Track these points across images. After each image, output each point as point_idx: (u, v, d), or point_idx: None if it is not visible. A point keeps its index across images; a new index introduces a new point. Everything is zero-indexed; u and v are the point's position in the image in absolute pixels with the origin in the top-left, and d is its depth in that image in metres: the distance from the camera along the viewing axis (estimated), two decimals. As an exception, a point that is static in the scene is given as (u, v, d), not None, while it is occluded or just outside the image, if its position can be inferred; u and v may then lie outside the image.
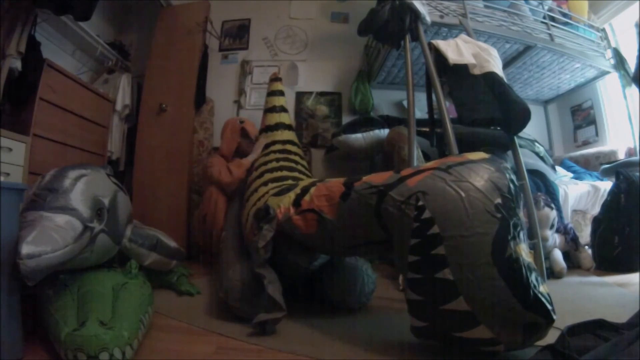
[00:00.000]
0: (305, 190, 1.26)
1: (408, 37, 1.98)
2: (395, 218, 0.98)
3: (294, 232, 1.24)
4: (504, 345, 0.85)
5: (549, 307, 0.84)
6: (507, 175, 0.93)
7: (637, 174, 2.03)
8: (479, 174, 0.92)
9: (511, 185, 0.91)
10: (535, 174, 2.23)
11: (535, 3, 2.62)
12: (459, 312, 0.84)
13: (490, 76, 1.69)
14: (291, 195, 1.31)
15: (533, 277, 0.84)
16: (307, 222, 1.19)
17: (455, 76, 1.76)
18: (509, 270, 0.82)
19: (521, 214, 0.93)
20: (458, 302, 0.84)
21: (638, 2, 2.53)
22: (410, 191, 0.95)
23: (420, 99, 2.05)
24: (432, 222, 0.89)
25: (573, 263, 2.06)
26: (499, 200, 0.87)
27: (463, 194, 0.89)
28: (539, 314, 0.83)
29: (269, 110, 2.33)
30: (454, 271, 0.85)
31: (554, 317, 0.85)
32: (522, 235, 0.90)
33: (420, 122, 2.03)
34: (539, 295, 0.83)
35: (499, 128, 1.84)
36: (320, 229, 1.16)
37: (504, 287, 0.81)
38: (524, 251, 0.88)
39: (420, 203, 0.92)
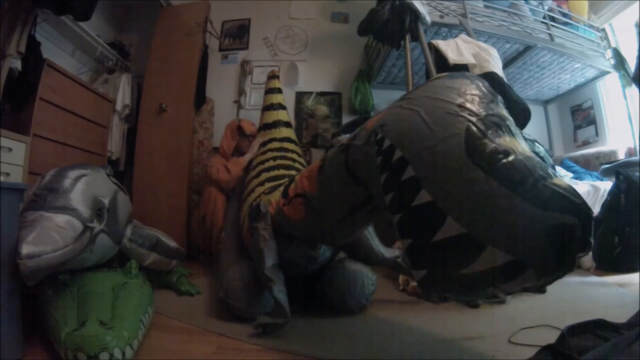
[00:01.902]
0: (292, 180, 1.26)
1: (408, 37, 1.98)
2: (362, 163, 0.92)
3: (288, 224, 1.23)
4: (533, 270, 0.63)
5: (577, 200, 0.62)
6: (472, 79, 0.82)
7: (637, 174, 2.03)
8: (435, 85, 0.83)
9: (477, 89, 0.78)
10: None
11: (535, 3, 2.63)
12: (453, 238, 0.67)
13: (490, 76, 1.69)
14: (280, 189, 1.32)
15: (539, 169, 0.65)
16: (296, 208, 1.18)
17: (455, 76, 1.76)
18: (498, 167, 0.65)
19: (501, 109, 0.77)
20: (448, 226, 0.68)
21: (638, 2, 2.53)
22: (369, 131, 0.90)
23: (420, 99, 2.04)
24: (393, 148, 0.80)
25: (573, 263, 2.05)
26: (461, 100, 0.75)
27: (419, 109, 0.78)
28: (565, 212, 0.62)
29: (267, 108, 2.33)
30: (431, 189, 0.71)
31: (589, 210, 0.63)
32: (510, 128, 0.74)
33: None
34: (556, 188, 0.63)
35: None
36: (308, 211, 1.15)
37: (498, 188, 0.64)
38: (518, 144, 0.70)
39: (379, 136, 0.85)
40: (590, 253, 2.08)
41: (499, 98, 0.82)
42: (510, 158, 0.66)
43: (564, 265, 0.63)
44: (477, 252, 0.65)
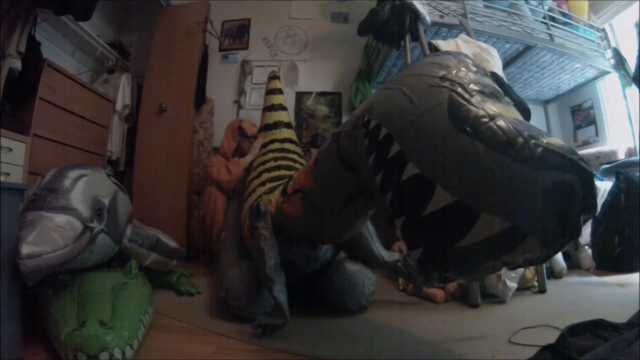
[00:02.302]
0: (291, 178, 1.27)
1: (408, 37, 1.98)
2: (353, 148, 0.92)
3: (287, 221, 1.23)
4: (535, 237, 0.59)
5: (573, 157, 0.58)
6: (455, 55, 0.82)
7: (637, 174, 2.03)
8: (418, 64, 0.84)
9: (460, 62, 0.77)
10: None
11: (535, 3, 2.62)
12: (444, 209, 0.64)
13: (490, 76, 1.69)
14: (280, 188, 1.33)
15: (529, 130, 0.61)
16: (294, 204, 1.18)
17: (455, 76, 1.76)
18: (484, 130, 0.62)
19: (486, 79, 0.77)
20: (437, 196, 0.65)
21: (638, 2, 2.53)
22: (356, 117, 0.91)
23: (420, 99, 2.04)
24: (379, 127, 0.80)
25: (573, 263, 2.06)
26: (443, 73, 0.74)
27: (402, 87, 0.78)
28: (561, 169, 0.57)
29: (268, 108, 2.33)
30: (417, 161, 0.70)
31: (588, 167, 0.58)
32: (496, 95, 0.71)
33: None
34: (549, 146, 0.58)
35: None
36: (306, 206, 1.14)
37: (485, 150, 0.61)
38: (505, 109, 0.67)
39: (366, 119, 0.86)
40: (590, 253, 2.08)
41: (485, 71, 0.81)
42: (496, 120, 0.63)
43: (567, 228, 0.59)
44: (471, 221, 0.61)
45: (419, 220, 0.69)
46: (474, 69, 0.77)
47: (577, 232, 0.59)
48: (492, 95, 0.70)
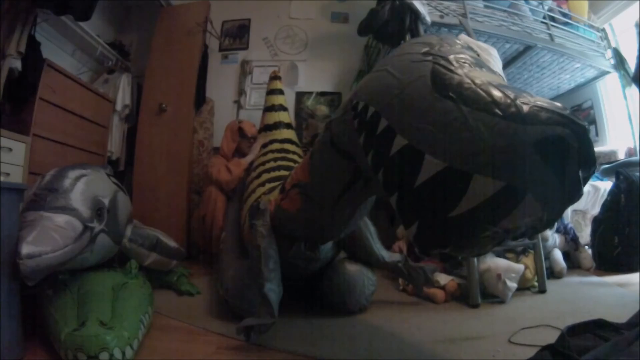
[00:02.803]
0: (289, 176, 1.27)
1: (408, 37, 1.98)
2: (344, 133, 0.93)
3: (286, 218, 1.23)
4: (533, 196, 0.57)
5: (564, 112, 0.56)
6: (440, 35, 0.84)
7: (637, 174, 2.03)
8: (402, 46, 0.87)
9: (444, 40, 0.78)
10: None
11: (535, 3, 2.62)
12: (435, 177, 0.63)
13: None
14: (279, 187, 1.33)
15: (515, 90, 0.61)
16: (293, 199, 1.18)
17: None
18: (468, 93, 0.62)
19: (472, 52, 0.77)
20: (427, 165, 0.64)
21: (638, 2, 2.53)
22: (346, 102, 0.93)
23: (420, 98, 2.04)
24: (366, 107, 0.81)
25: (573, 263, 2.06)
26: (426, 49, 0.74)
27: (387, 67, 0.79)
28: (549, 123, 0.55)
29: (268, 109, 2.33)
30: (404, 132, 0.69)
31: (580, 121, 0.56)
32: (479, 64, 0.71)
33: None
34: (537, 103, 0.57)
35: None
36: (304, 200, 1.14)
37: (471, 112, 0.59)
38: (491, 76, 0.67)
39: (354, 102, 0.87)
40: (590, 253, 2.08)
41: (469, 46, 0.81)
42: (480, 85, 0.62)
43: (566, 185, 0.57)
44: (464, 185, 0.59)
45: (411, 193, 0.68)
46: (458, 45, 0.78)
47: (577, 189, 0.58)
48: (475, 65, 0.70)
